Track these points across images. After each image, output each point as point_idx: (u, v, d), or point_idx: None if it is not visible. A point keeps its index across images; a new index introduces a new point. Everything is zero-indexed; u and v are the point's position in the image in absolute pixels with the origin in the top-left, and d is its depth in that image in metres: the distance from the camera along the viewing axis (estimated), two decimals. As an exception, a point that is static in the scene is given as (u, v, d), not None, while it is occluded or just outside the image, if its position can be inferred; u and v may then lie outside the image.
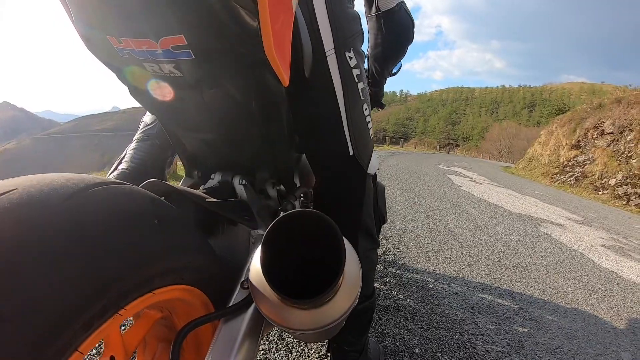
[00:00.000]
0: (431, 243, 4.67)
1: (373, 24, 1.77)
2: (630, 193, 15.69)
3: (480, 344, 2.49)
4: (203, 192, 1.17)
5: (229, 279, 1.05)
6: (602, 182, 17.62)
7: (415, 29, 1.82)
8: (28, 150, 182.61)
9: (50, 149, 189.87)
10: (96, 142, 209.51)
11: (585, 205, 12.48)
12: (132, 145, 1.98)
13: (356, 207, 1.44)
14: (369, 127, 1.43)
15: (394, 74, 2.26)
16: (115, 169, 1.88)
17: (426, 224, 5.59)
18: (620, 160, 17.44)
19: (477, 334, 2.62)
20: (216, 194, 1.18)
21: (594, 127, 20.91)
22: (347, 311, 0.91)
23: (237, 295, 1.00)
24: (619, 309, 3.52)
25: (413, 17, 1.74)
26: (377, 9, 1.68)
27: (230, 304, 0.98)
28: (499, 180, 16.62)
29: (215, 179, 1.27)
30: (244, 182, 1.23)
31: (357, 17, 1.36)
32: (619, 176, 16.82)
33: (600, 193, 17.03)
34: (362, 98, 1.34)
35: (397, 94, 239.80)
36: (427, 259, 4.10)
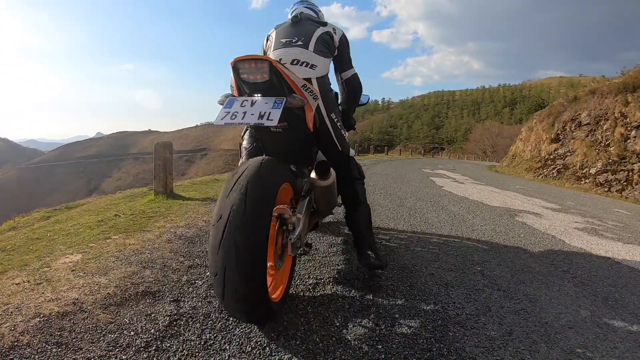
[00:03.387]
0: (410, 237, 5.07)
1: (340, 86, 3.64)
2: (611, 180, 16.23)
3: (452, 309, 2.90)
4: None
5: (302, 186, 3.04)
6: (583, 171, 18.17)
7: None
8: (14, 180, 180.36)
9: (36, 178, 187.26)
10: (81, 169, 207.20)
11: (566, 194, 12.97)
12: (243, 159, 3.59)
13: (347, 168, 3.44)
14: (345, 137, 3.37)
15: (364, 104, 4.12)
16: None
17: (407, 222, 5.98)
18: (599, 149, 17.99)
19: (450, 302, 3.03)
20: None
21: (571, 119, 21.57)
22: (333, 181, 3.27)
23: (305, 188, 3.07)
24: (583, 278, 3.92)
25: (361, 82, 3.70)
26: (341, 78, 3.56)
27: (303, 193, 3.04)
28: (482, 178, 17.09)
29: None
30: (293, 167, 3.06)
31: (337, 95, 3.53)
32: (599, 164, 17.37)
33: (583, 183, 17.57)
34: (340, 129, 3.27)
35: (379, 103, 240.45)
36: (406, 248, 4.50)
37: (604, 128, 18.41)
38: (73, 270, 3.09)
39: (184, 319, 2.47)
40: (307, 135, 2.86)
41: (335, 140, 3.20)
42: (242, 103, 2.39)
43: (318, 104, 2.94)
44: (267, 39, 3.46)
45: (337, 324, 2.51)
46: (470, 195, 9.98)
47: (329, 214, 3.91)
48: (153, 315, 2.49)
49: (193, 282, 3.09)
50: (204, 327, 2.39)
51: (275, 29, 3.43)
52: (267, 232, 2.09)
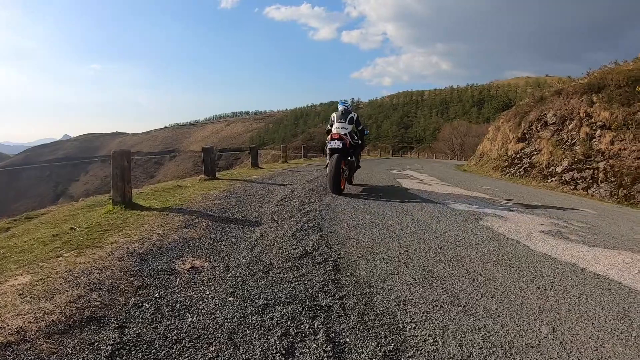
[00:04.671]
0: (371, 247, 4.96)
1: (359, 132, 10.94)
2: (577, 178, 16.45)
3: (409, 329, 2.77)
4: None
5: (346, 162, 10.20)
6: (550, 170, 18.41)
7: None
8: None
9: (1, 183, 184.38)
10: (48, 172, 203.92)
11: (532, 193, 13.09)
12: (328, 154, 9.85)
13: (354, 160, 10.74)
14: (358, 152, 10.93)
15: (367, 135, 11.82)
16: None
17: (369, 230, 5.89)
18: (564, 149, 18.23)
19: (408, 321, 2.90)
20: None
21: (538, 119, 21.88)
22: (353, 162, 10.62)
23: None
24: (546, 289, 3.85)
25: (350, 109, 11.39)
26: (357, 129, 10.80)
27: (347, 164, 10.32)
28: (449, 179, 17.18)
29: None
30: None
31: (359, 133, 11.07)
32: (565, 163, 17.60)
33: (549, 181, 17.80)
34: (355, 147, 10.53)
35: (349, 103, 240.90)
36: (366, 261, 4.38)
37: (570, 128, 18.69)
38: (20, 295, 2.97)
39: (127, 347, 2.40)
40: (346, 148, 9.74)
41: (352, 152, 10.26)
42: (331, 141, 9.78)
43: (347, 141, 9.79)
44: (333, 118, 10.55)
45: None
46: (436, 198, 10.00)
47: (353, 172, 10.92)
48: (96, 344, 2.41)
49: (140, 304, 2.97)
50: (146, 356, 2.32)
51: (335, 114, 10.62)
52: (339, 171, 9.34)
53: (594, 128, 17.16)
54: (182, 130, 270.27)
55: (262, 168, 16.49)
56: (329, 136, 10.03)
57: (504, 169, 22.87)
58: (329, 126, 10.56)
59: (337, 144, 9.63)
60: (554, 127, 19.99)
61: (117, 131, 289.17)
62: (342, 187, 9.71)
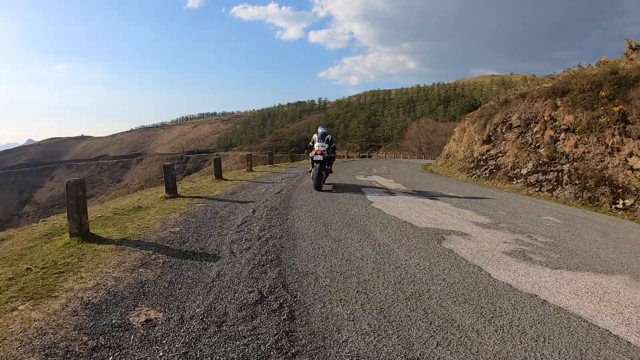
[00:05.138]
0: (329, 284, 4.84)
1: (330, 148, 15.15)
2: (542, 180, 16.68)
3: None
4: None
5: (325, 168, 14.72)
6: (515, 172, 18.67)
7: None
8: None
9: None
10: (12, 179, 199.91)
11: (498, 201, 13.12)
12: (312, 164, 14.29)
13: (329, 166, 15.25)
14: (331, 162, 15.49)
15: (335, 149, 16.42)
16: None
17: (328, 261, 5.77)
18: (529, 151, 18.49)
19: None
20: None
21: (502, 121, 22.20)
22: (328, 169, 15.28)
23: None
24: (504, 331, 3.77)
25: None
26: (331, 145, 15.10)
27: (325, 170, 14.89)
28: (416, 185, 17.18)
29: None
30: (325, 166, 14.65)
31: (333, 143, 15.71)
32: (530, 165, 17.85)
33: (514, 183, 18.03)
34: (329, 159, 15.04)
35: (316, 102, 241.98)
36: (322, 304, 4.25)
37: (534, 131, 18.96)
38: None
39: None
40: (324, 160, 14.06)
41: (328, 162, 14.72)
42: (315, 155, 13.95)
43: (325, 155, 14.11)
44: (314, 138, 14.65)
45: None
46: (400, 212, 9.89)
47: (327, 175, 15.24)
48: None
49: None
50: None
51: (317, 135, 14.66)
52: (321, 175, 14.03)
53: (558, 131, 17.41)
54: (149, 133, 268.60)
55: (225, 180, 16.25)
56: (314, 151, 14.28)
57: (470, 170, 23.10)
58: (311, 143, 15.09)
59: (319, 158, 14.02)
60: (519, 130, 20.27)
61: (82, 135, 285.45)
62: (322, 185, 14.29)
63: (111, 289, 4.49)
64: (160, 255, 5.79)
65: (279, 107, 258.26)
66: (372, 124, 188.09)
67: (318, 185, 13.87)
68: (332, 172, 16.26)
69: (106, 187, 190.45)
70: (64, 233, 6.88)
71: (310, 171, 14.73)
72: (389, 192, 14.19)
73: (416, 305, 4.29)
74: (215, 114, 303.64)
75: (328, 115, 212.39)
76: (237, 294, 4.50)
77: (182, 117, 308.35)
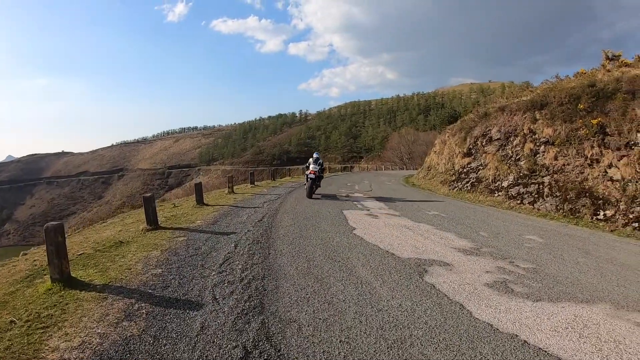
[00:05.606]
0: (312, 333, 4.86)
1: (320, 169, 20.94)
2: (523, 192, 16.96)
3: None
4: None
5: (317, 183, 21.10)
6: (496, 184, 18.98)
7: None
8: None
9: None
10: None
11: (480, 218, 13.26)
12: (306, 180, 20.59)
13: (319, 182, 21.25)
14: (321, 179, 21.53)
15: (324, 170, 23.33)
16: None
17: (311, 305, 5.78)
18: (510, 164, 18.78)
19: None
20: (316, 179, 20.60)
21: (482, 134, 22.57)
22: (320, 178, 21.39)
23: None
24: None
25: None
26: (321, 168, 20.80)
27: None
28: (397, 203, 17.26)
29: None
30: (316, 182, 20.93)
31: (322, 165, 21.83)
32: (511, 178, 18.14)
33: (496, 195, 18.32)
34: (320, 178, 21.05)
35: (297, 115, 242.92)
36: (306, 358, 4.28)
37: (514, 143, 19.33)
38: None
39: None
40: (316, 177, 20.14)
41: (318, 180, 20.72)
42: (310, 174, 20.14)
43: (318, 174, 20.31)
44: (310, 162, 20.61)
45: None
46: (382, 240, 9.91)
47: (316, 188, 21.07)
48: None
49: None
50: None
51: (312, 159, 20.66)
52: (312, 188, 19.95)
53: (537, 144, 17.74)
54: (130, 148, 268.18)
55: (207, 205, 16.17)
56: (309, 171, 20.27)
57: (452, 183, 23.41)
58: (307, 164, 20.98)
59: (312, 176, 19.95)
60: (499, 143, 20.64)
61: (62, 151, 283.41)
62: (312, 195, 19.77)
63: (97, 348, 4.48)
64: (143, 305, 5.76)
65: (260, 120, 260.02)
66: (353, 135, 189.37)
67: (309, 195, 19.80)
68: (320, 186, 22.04)
69: (87, 204, 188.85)
70: (44, 274, 6.90)
71: (305, 184, 21.22)
72: (371, 214, 14.23)
73: (398, 355, 4.33)
74: (196, 128, 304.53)
75: (309, 128, 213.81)
76: (221, 350, 4.50)
77: (164, 131, 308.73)
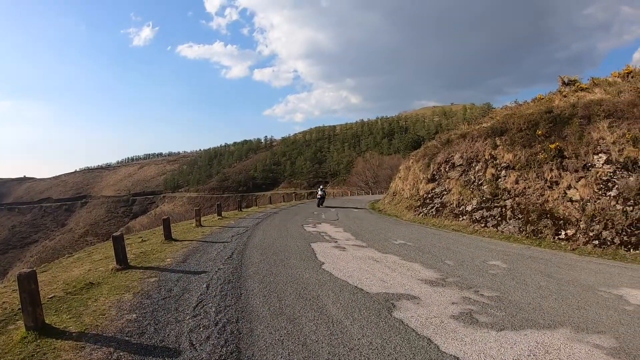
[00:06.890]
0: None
1: (324, 194, 41.08)
2: (487, 216, 17.57)
3: None
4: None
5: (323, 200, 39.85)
6: (460, 209, 19.59)
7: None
8: None
9: None
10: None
11: (445, 245, 13.79)
12: (317, 200, 39.62)
13: (323, 200, 39.60)
14: (325, 196, 41.59)
15: (325, 194, 42.50)
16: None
17: (286, 348, 5.98)
18: (472, 188, 19.43)
19: None
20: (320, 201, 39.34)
21: (445, 161, 23.36)
22: (324, 198, 40.36)
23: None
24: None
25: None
26: (324, 192, 41.43)
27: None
28: (365, 233, 17.59)
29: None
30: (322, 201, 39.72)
31: (325, 192, 43.08)
32: (474, 202, 18.75)
33: (461, 219, 18.92)
34: (324, 198, 40.67)
35: (262, 141, 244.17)
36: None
37: (476, 169, 20.13)
38: None
39: None
40: (321, 198, 38.78)
41: (322, 199, 39.14)
42: (318, 193, 40.10)
43: (324, 195, 40.22)
44: (319, 189, 41.12)
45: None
46: (351, 275, 10.13)
47: (322, 203, 38.55)
48: None
49: None
50: None
51: (320, 187, 41.97)
52: (320, 202, 38.14)
53: (499, 169, 18.50)
54: (94, 174, 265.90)
55: (175, 241, 16.10)
56: (319, 194, 38.98)
57: (417, 208, 23.92)
58: (317, 191, 40.58)
59: (320, 196, 38.52)
60: (462, 169, 21.39)
61: (24, 176, 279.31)
62: (320, 205, 36.14)
63: None
64: (122, 354, 5.85)
65: (225, 146, 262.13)
66: (318, 160, 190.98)
67: (319, 205, 36.14)
68: (322, 205, 36.87)
69: (50, 231, 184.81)
70: (17, 319, 6.94)
71: (316, 200, 39.05)
72: (339, 246, 14.49)
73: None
74: (161, 154, 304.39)
75: (274, 154, 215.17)
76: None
77: (128, 157, 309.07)
